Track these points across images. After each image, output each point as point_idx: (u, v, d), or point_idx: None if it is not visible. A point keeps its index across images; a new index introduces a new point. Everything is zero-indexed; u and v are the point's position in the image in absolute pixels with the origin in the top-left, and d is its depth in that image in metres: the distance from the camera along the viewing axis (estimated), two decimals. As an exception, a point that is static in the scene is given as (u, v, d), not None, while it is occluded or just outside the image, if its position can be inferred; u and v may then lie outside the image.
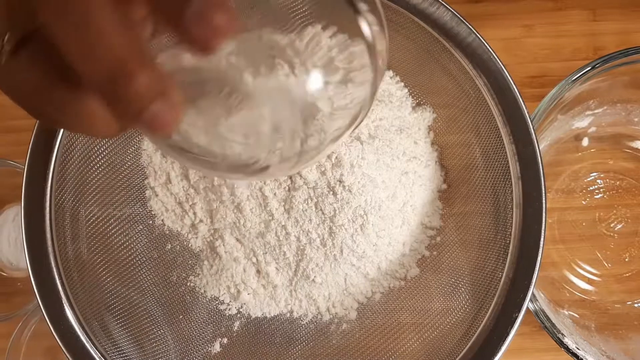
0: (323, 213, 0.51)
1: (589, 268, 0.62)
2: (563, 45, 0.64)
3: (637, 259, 0.62)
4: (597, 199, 0.63)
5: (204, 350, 0.55)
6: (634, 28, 0.64)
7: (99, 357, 0.49)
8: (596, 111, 0.61)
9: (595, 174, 0.63)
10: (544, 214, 0.49)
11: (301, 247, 0.53)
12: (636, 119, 0.61)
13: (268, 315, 0.57)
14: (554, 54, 0.64)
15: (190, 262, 0.57)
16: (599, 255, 0.62)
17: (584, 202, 0.63)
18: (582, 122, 0.61)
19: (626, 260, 0.62)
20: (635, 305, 0.61)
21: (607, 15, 0.64)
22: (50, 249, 0.49)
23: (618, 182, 0.63)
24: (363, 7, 0.31)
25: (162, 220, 0.57)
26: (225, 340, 0.56)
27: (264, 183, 0.51)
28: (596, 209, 0.63)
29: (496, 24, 0.64)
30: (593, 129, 0.62)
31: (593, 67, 0.54)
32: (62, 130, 0.50)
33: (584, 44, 0.64)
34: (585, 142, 0.63)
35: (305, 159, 0.34)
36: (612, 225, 0.63)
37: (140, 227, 0.56)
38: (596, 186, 0.63)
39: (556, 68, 0.64)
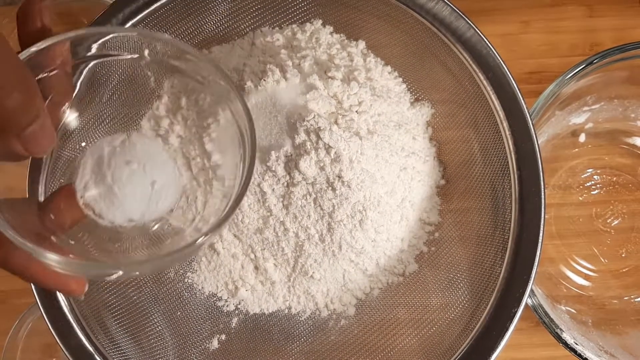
0: (322, 209, 0.51)
1: (585, 264, 0.63)
2: (560, 41, 0.64)
3: (634, 254, 0.62)
4: (593, 195, 0.63)
5: (202, 346, 0.55)
6: (630, 24, 0.64)
7: (97, 354, 0.49)
8: (593, 107, 0.61)
9: (592, 169, 0.63)
10: (542, 210, 0.49)
11: (299, 243, 0.53)
12: (633, 115, 0.61)
13: (266, 312, 0.56)
14: (551, 50, 0.64)
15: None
16: (595, 250, 0.63)
17: (580, 198, 0.63)
18: (579, 118, 0.62)
19: (623, 255, 0.62)
20: (632, 300, 0.61)
21: (603, 11, 0.64)
22: (47, 245, 0.49)
23: (615, 178, 0.63)
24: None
25: (159, 216, 0.57)
26: (223, 336, 0.56)
27: (262, 179, 0.51)
28: (593, 205, 0.63)
29: (493, 20, 0.64)
30: (590, 124, 0.62)
31: (590, 63, 0.55)
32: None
33: (580, 40, 0.64)
34: (582, 138, 0.63)
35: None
36: (608, 221, 0.63)
37: (137, 223, 0.56)
38: (593, 182, 0.63)
39: (553, 64, 0.64)
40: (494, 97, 0.50)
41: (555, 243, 0.63)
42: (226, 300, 0.56)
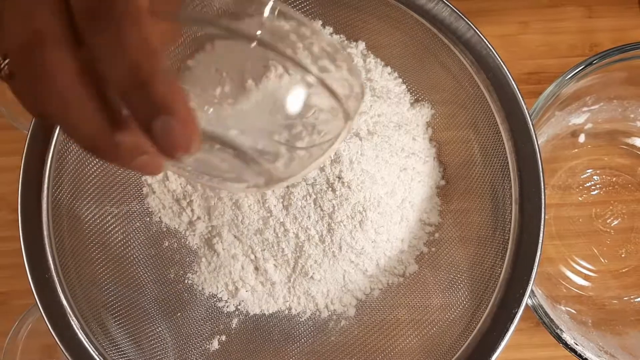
0: (322, 209, 0.51)
1: (585, 264, 0.63)
2: (559, 42, 0.64)
3: (633, 254, 0.62)
4: (593, 195, 0.63)
5: (202, 347, 0.55)
6: (629, 25, 0.64)
7: (97, 355, 0.49)
8: (592, 107, 0.61)
9: (591, 170, 0.63)
10: (542, 210, 0.49)
11: (300, 244, 0.53)
12: (632, 115, 0.62)
13: (266, 312, 0.56)
14: (550, 51, 0.64)
15: (187, 259, 0.57)
16: (595, 251, 0.63)
17: (580, 199, 0.63)
18: (578, 119, 0.62)
19: (622, 256, 0.62)
20: (632, 300, 0.61)
21: (602, 12, 0.64)
22: (47, 247, 0.49)
23: (614, 179, 0.63)
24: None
25: (160, 217, 0.57)
26: (223, 337, 0.56)
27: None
28: (592, 205, 0.63)
29: (492, 21, 0.64)
30: (589, 125, 0.62)
31: (589, 64, 0.55)
32: (58, 127, 0.49)
33: (579, 41, 0.64)
34: (581, 138, 0.63)
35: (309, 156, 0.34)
36: (608, 221, 0.63)
37: (138, 224, 0.56)
38: (592, 182, 0.63)
39: (552, 65, 0.64)
40: (494, 97, 0.50)
41: (555, 243, 0.63)
42: (226, 301, 0.56)
